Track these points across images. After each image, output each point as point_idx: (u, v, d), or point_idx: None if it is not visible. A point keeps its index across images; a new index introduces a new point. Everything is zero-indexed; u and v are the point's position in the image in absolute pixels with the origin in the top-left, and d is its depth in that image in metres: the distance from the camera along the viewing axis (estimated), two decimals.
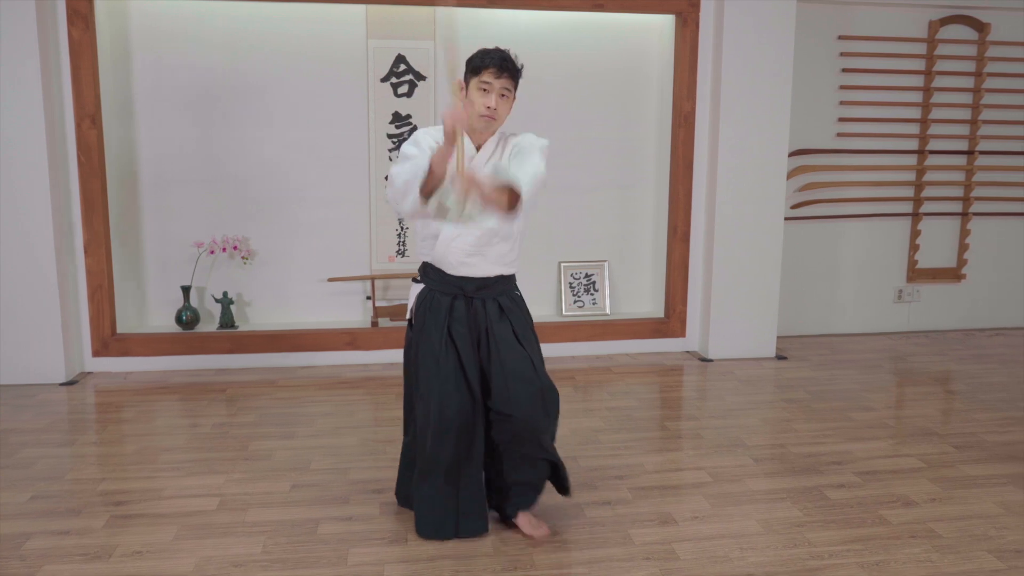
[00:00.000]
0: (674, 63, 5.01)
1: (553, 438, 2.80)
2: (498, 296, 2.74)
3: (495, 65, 2.55)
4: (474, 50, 2.62)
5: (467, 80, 2.62)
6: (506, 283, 2.77)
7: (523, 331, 2.73)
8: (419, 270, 2.81)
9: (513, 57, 2.61)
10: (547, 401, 2.68)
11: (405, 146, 2.62)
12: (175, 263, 4.89)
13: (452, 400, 2.65)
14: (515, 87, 2.63)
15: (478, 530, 2.78)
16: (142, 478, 3.26)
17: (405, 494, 2.94)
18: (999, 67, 5.63)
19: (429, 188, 2.46)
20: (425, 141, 2.59)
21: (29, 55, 4.24)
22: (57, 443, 3.63)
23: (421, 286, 2.77)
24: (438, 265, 2.71)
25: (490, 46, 2.65)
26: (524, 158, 2.60)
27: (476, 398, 2.70)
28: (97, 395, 4.34)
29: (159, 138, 4.78)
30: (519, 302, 2.80)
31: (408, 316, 2.81)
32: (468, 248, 2.66)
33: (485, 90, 2.57)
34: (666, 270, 5.24)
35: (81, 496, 3.08)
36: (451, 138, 2.35)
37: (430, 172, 2.43)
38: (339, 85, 4.86)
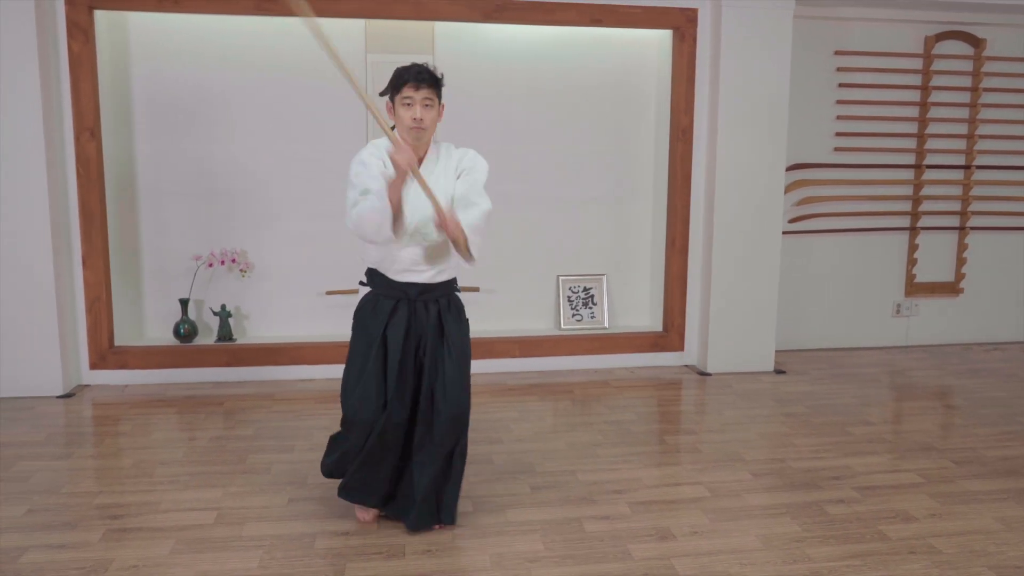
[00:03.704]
0: (672, 78, 5.03)
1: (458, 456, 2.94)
2: (439, 298, 2.90)
3: (412, 79, 2.71)
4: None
5: (392, 100, 2.79)
6: (448, 286, 2.94)
7: (457, 341, 2.88)
8: (365, 274, 2.95)
9: (432, 69, 2.77)
10: (459, 424, 2.87)
11: (358, 175, 2.73)
12: (173, 276, 4.89)
13: (369, 403, 2.79)
14: (438, 95, 2.78)
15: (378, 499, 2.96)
16: (139, 491, 3.24)
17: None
18: (995, 82, 5.66)
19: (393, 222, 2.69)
20: (375, 166, 2.74)
21: (29, 68, 4.25)
22: (54, 456, 3.62)
23: (368, 290, 2.93)
24: (381, 271, 2.87)
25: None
26: (470, 196, 2.79)
27: (393, 404, 2.81)
28: (94, 408, 4.33)
29: (158, 151, 4.78)
30: (457, 305, 2.96)
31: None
32: (416, 258, 2.82)
33: (408, 104, 2.73)
34: (664, 284, 5.24)
35: (77, 510, 3.07)
36: (403, 175, 2.66)
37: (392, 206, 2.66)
38: (337, 99, 4.86)
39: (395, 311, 2.85)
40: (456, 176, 2.85)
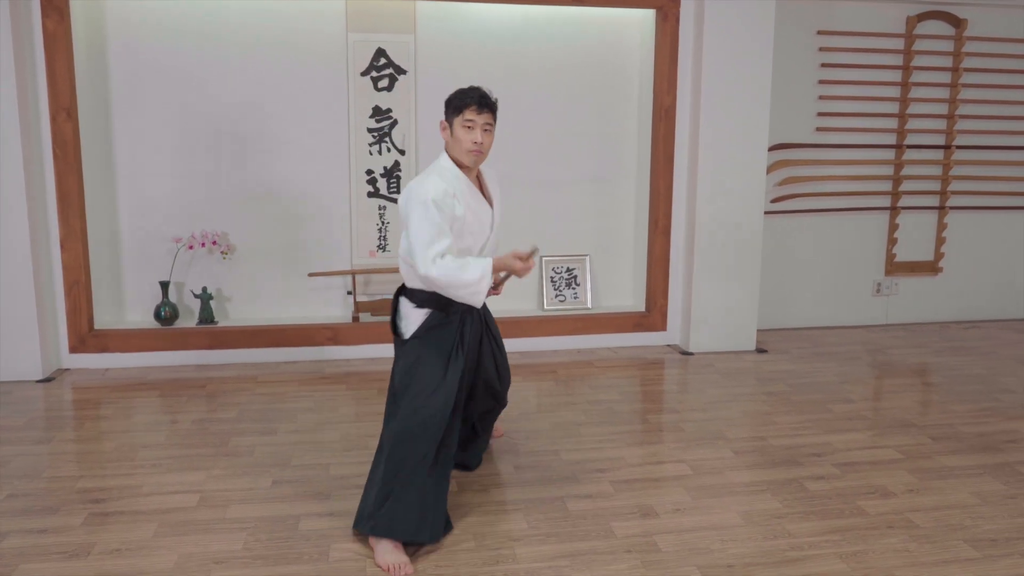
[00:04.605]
0: (654, 58, 5.01)
1: None
2: None
3: (475, 103, 2.77)
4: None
5: (450, 120, 2.82)
6: None
7: (495, 324, 3.23)
8: (415, 298, 2.88)
9: (488, 92, 2.83)
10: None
11: (437, 220, 2.66)
12: (153, 258, 4.84)
13: (452, 403, 2.75)
14: (495, 120, 2.84)
15: (442, 531, 2.72)
16: (121, 475, 3.23)
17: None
18: (975, 62, 5.69)
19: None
20: (449, 212, 2.71)
21: (2, 48, 4.17)
22: (34, 440, 3.59)
23: (425, 311, 2.87)
24: (463, 302, 2.79)
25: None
26: None
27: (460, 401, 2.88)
28: (75, 392, 4.30)
29: (136, 130, 4.72)
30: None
31: (408, 335, 2.88)
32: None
33: (469, 127, 2.78)
34: (647, 264, 5.26)
35: (59, 494, 3.05)
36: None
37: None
38: (319, 79, 4.83)
39: (463, 322, 2.91)
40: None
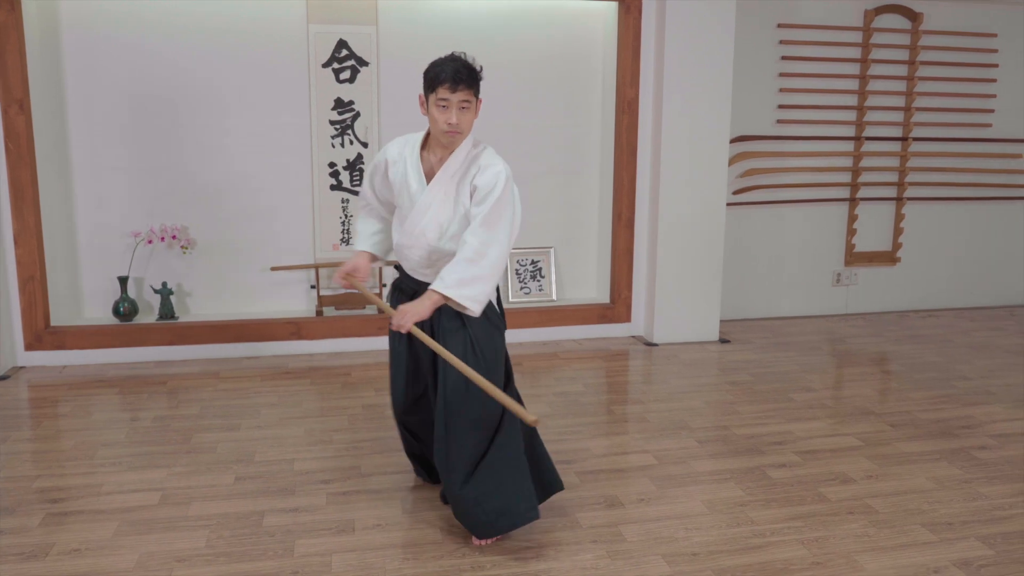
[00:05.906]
0: (617, 50, 5.03)
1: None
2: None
3: (448, 80, 2.46)
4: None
5: (425, 95, 2.55)
6: None
7: (479, 344, 2.59)
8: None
9: (470, 62, 2.52)
10: (457, 430, 2.57)
11: (368, 172, 2.87)
12: (111, 253, 4.75)
13: (397, 383, 2.87)
14: (475, 94, 2.53)
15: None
16: (80, 474, 3.17)
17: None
18: (932, 55, 5.79)
19: None
20: (381, 171, 2.77)
21: None
22: None
23: (398, 274, 2.89)
24: (398, 260, 2.82)
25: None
26: (465, 235, 2.51)
27: (420, 385, 2.85)
28: (31, 390, 4.21)
29: (92, 124, 4.63)
30: (486, 312, 2.61)
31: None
32: (420, 260, 2.70)
33: (444, 107, 2.49)
34: (611, 256, 5.28)
35: (15, 494, 2.99)
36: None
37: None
38: (280, 70, 4.77)
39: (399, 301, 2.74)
40: (470, 194, 2.58)
